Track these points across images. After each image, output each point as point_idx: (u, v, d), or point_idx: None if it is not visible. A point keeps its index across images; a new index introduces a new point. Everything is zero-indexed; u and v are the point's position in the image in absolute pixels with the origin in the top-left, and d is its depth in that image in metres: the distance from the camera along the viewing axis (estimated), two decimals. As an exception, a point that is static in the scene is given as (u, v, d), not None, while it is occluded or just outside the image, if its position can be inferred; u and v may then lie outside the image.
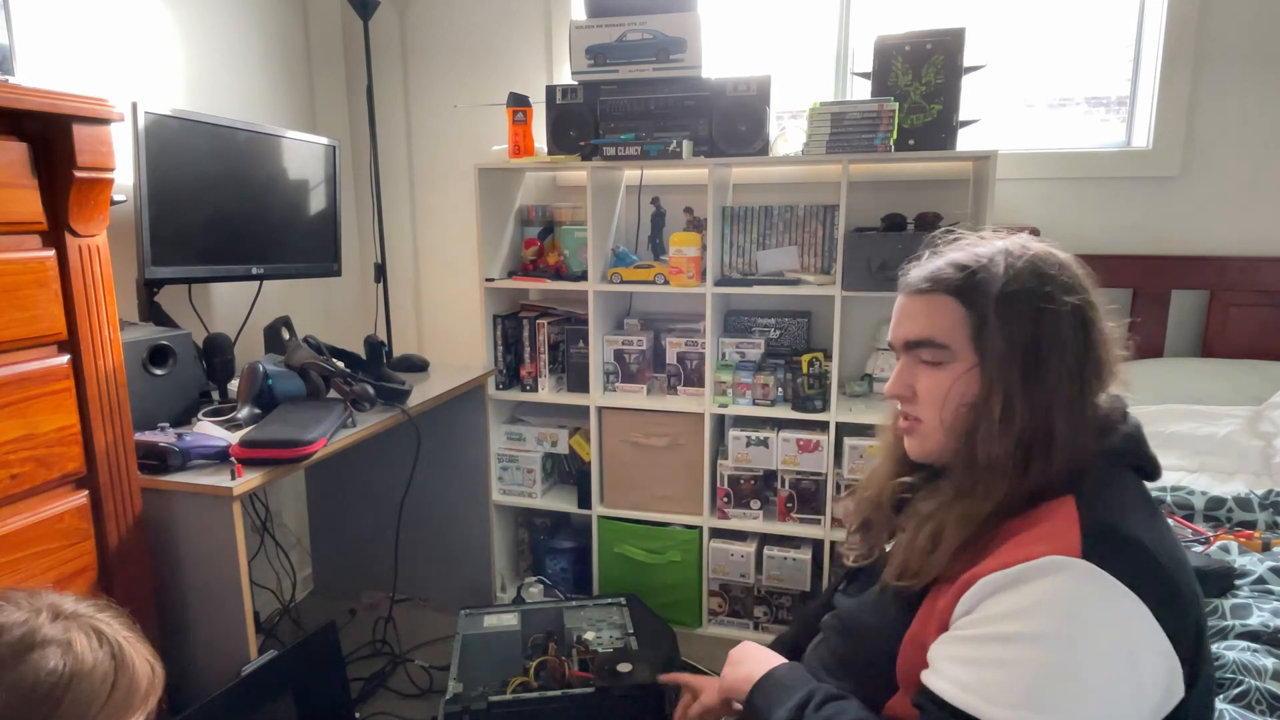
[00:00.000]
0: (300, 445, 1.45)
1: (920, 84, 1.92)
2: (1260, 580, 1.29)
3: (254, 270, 1.93)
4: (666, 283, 2.09)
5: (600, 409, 2.22)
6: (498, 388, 2.31)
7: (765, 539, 2.19)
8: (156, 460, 1.39)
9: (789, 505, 2.13)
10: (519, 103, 2.17)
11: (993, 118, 2.21)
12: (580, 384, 2.23)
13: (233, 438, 1.46)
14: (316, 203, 2.12)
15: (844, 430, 2.07)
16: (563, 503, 2.34)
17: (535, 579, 2.32)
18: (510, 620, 1.89)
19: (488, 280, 2.23)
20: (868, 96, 1.97)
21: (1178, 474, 1.77)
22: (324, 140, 2.13)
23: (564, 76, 2.34)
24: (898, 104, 1.91)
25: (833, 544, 2.11)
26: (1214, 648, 1.11)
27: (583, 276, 2.18)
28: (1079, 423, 0.80)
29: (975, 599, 0.76)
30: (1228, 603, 1.24)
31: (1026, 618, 0.72)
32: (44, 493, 1.18)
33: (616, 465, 2.23)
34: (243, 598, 1.40)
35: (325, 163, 2.14)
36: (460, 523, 2.39)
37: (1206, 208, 2.09)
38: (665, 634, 1.90)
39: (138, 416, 1.37)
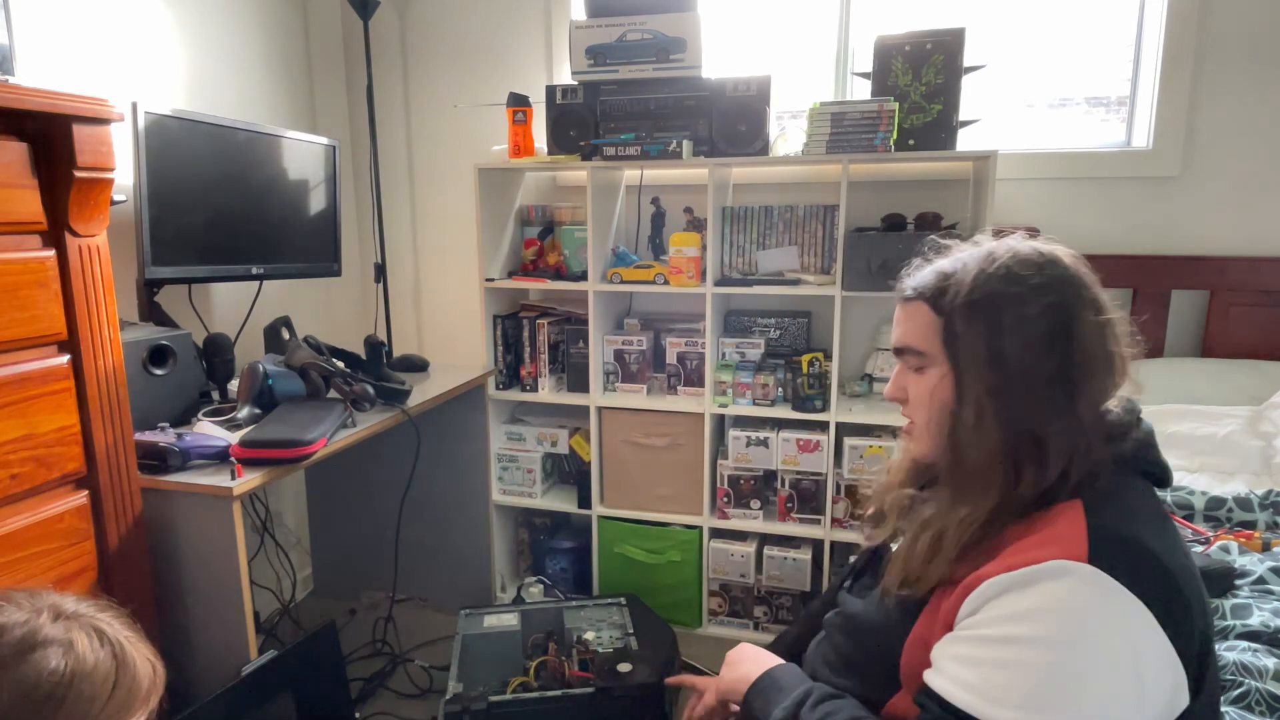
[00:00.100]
0: (300, 445, 1.45)
1: (920, 84, 1.92)
2: (1260, 580, 1.29)
3: (254, 270, 1.93)
4: (666, 283, 2.09)
5: (600, 409, 2.22)
6: (498, 388, 2.31)
7: (765, 539, 2.19)
8: (156, 460, 1.39)
9: (789, 505, 2.13)
10: (519, 103, 2.17)
11: (993, 118, 2.21)
12: (580, 384, 2.23)
13: (233, 438, 1.46)
14: (316, 203, 2.12)
15: (844, 430, 2.07)
16: (563, 503, 2.34)
17: (535, 579, 2.32)
18: (510, 620, 1.89)
19: (488, 280, 2.23)
20: (868, 96, 1.98)
21: (1177, 474, 1.76)
22: (324, 140, 2.13)
23: (564, 76, 2.34)
24: (898, 104, 1.92)
25: (833, 544, 2.11)
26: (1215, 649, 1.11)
27: (583, 276, 2.19)
28: (1076, 427, 0.79)
29: (980, 600, 0.76)
30: (1228, 603, 1.24)
31: (1031, 620, 0.72)
32: (44, 493, 1.18)
33: (616, 465, 2.23)
34: (243, 598, 1.40)
35: (325, 163, 2.14)
36: (460, 523, 2.39)
37: (1206, 207, 2.09)
38: (665, 634, 1.90)
39: (138, 416, 1.37)
